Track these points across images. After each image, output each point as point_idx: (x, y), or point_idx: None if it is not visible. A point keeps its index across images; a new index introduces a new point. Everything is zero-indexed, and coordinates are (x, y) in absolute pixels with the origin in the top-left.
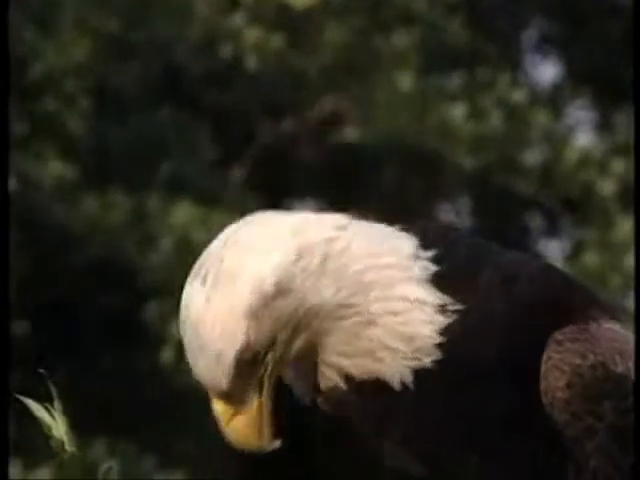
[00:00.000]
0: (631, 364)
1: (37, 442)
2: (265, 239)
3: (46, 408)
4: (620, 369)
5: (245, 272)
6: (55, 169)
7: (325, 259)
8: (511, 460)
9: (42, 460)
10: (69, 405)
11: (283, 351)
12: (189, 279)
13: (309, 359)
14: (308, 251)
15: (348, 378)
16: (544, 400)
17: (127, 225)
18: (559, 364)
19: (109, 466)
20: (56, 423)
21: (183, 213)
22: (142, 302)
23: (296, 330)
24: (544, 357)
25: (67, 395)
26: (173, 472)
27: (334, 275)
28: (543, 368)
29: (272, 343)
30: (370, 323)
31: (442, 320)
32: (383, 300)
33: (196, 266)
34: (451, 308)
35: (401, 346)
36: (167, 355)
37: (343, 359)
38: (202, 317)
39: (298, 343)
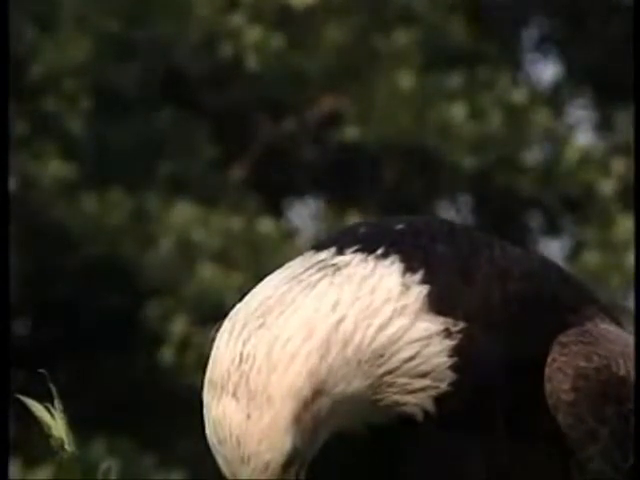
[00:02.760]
0: (631, 366)
1: (37, 442)
2: (280, 349)
3: (46, 408)
4: (622, 372)
5: (279, 388)
6: (55, 169)
7: (343, 347)
8: (513, 460)
9: (42, 460)
10: (69, 405)
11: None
12: (212, 392)
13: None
14: (325, 348)
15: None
16: (549, 402)
17: (127, 225)
18: (563, 367)
19: (108, 465)
20: (56, 423)
21: (183, 213)
22: (142, 302)
23: (333, 419)
24: (548, 359)
25: (67, 395)
26: (173, 472)
27: (355, 359)
28: (547, 370)
29: (314, 440)
30: (392, 380)
31: (450, 343)
32: (397, 353)
33: (215, 377)
34: (455, 329)
35: (420, 384)
36: (167, 355)
37: (365, 416)
38: (245, 434)
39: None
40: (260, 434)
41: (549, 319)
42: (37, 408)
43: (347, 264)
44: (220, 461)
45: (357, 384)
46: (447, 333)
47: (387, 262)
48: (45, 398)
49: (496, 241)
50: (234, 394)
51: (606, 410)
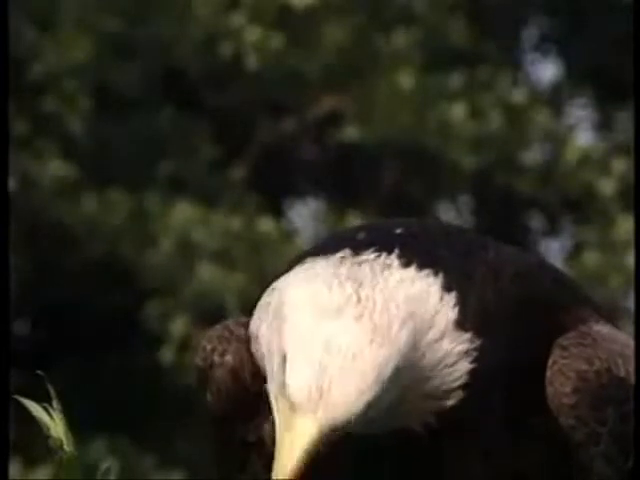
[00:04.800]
0: (631, 368)
1: (37, 442)
2: (394, 310)
3: (45, 408)
4: (622, 373)
5: (400, 337)
6: (55, 169)
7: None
8: (513, 462)
9: (42, 460)
10: (69, 405)
11: None
12: (325, 314)
13: None
14: (417, 333)
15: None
16: (551, 405)
17: (127, 225)
18: (564, 370)
19: (108, 466)
20: (55, 423)
21: (183, 213)
22: (142, 302)
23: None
24: (549, 362)
25: (67, 395)
26: (173, 472)
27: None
28: (549, 373)
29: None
30: (422, 392)
31: (468, 366)
32: (432, 368)
33: (328, 303)
34: (472, 348)
35: (434, 405)
36: (167, 355)
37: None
38: (362, 355)
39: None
40: (373, 364)
41: (544, 320)
42: (35, 409)
43: (389, 265)
44: (305, 373)
45: (407, 377)
46: (467, 354)
47: (424, 271)
48: (45, 398)
49: (490, 242)
50: (358, 319)
51: (607, 412)
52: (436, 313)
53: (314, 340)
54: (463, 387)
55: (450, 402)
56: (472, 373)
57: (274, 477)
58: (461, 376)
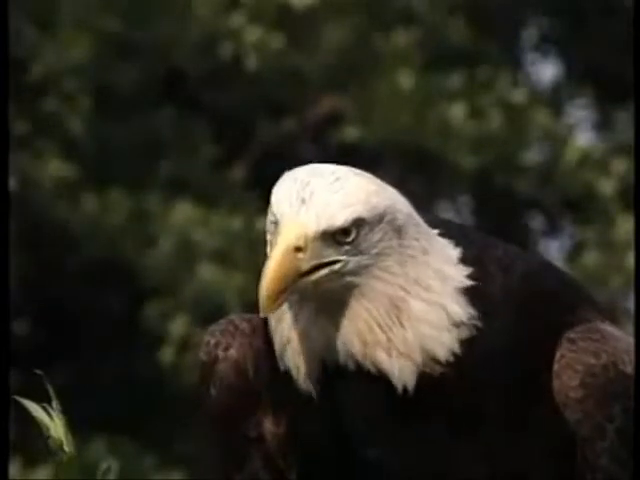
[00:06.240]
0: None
1: (36, 442)
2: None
3: (44, 409)
4: (629, 369)
5: (366, 188)
6: (55, 169)
7: (405, 222)
8: (512, 455)
9: (41, 460)
10: (69, 405)
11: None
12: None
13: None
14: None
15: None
16: (557, 398)
17: (127, 225)
18: (572, 363)
19: (108, 466)
20: (54, 424)
21: (183, 213)
22: (142, 302)
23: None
24: (557, 356)
25: (67, 395)
26: (173, 472)
27: (404, 236)
28: (556, 367)
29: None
30: (404, 310)
31: (460, 334)
32: (425, 300)
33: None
34: (473, 323)
35: (418, 356)
36: (167, 355)
37: (365, 333)
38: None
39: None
40: (359, 187)
41: (548, 317)
42: (35, 409)
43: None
44: (287, 186)
45: (395, 243)
46: (464, 324)
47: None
48: (45, 398)
49: (498, 242)
50: (357, 174)
51: (613, 407)
52: (446, 247)
53: (301, 170)
54: (455, 356)
55: (436, 368)
56: (465, 347)
57: (260, 291)
58: (450, 343)
